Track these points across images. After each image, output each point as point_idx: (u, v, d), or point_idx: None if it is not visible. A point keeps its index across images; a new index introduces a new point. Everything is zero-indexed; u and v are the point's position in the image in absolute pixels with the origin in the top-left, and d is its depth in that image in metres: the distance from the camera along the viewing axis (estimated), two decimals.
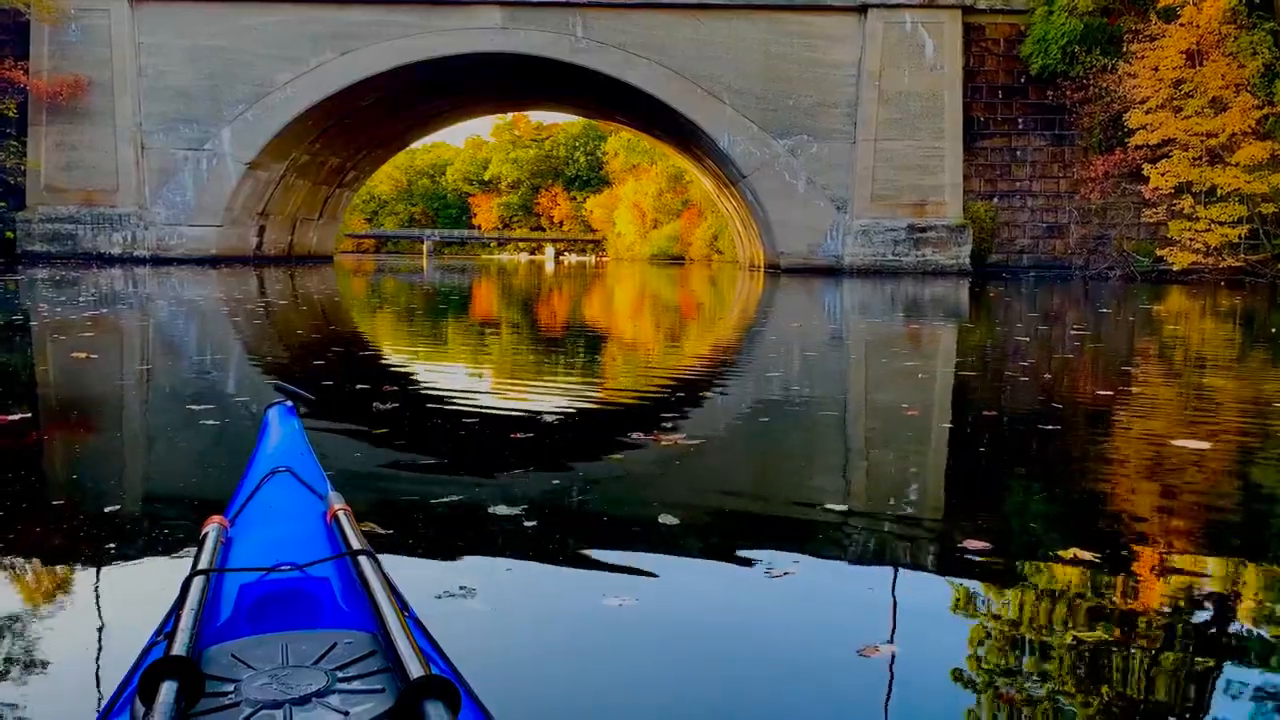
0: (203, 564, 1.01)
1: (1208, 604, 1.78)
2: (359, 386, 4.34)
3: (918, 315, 10.11)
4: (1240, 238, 18.25)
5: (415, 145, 47.53)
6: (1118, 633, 1.61)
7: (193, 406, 3.64)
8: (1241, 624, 1.68)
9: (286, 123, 21.61)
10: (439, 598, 1.68)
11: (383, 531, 2.07)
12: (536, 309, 11.85)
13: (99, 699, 1.31)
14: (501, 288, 17.88)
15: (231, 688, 0.79)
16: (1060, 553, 2.03)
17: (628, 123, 29.67)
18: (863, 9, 21.06)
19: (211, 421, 3.34)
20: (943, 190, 21.19)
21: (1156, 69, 18.59)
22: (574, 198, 76.39)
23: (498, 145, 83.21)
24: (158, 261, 21.31)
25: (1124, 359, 6.40)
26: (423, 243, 69.97)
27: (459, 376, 5.22)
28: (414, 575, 1.82)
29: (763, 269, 24.12)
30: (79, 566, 1.87)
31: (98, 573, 1.83)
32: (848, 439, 3.49)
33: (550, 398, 4.30)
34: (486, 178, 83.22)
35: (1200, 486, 2.74)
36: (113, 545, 1.99)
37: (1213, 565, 2.01)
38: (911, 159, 21.09)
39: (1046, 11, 20.76)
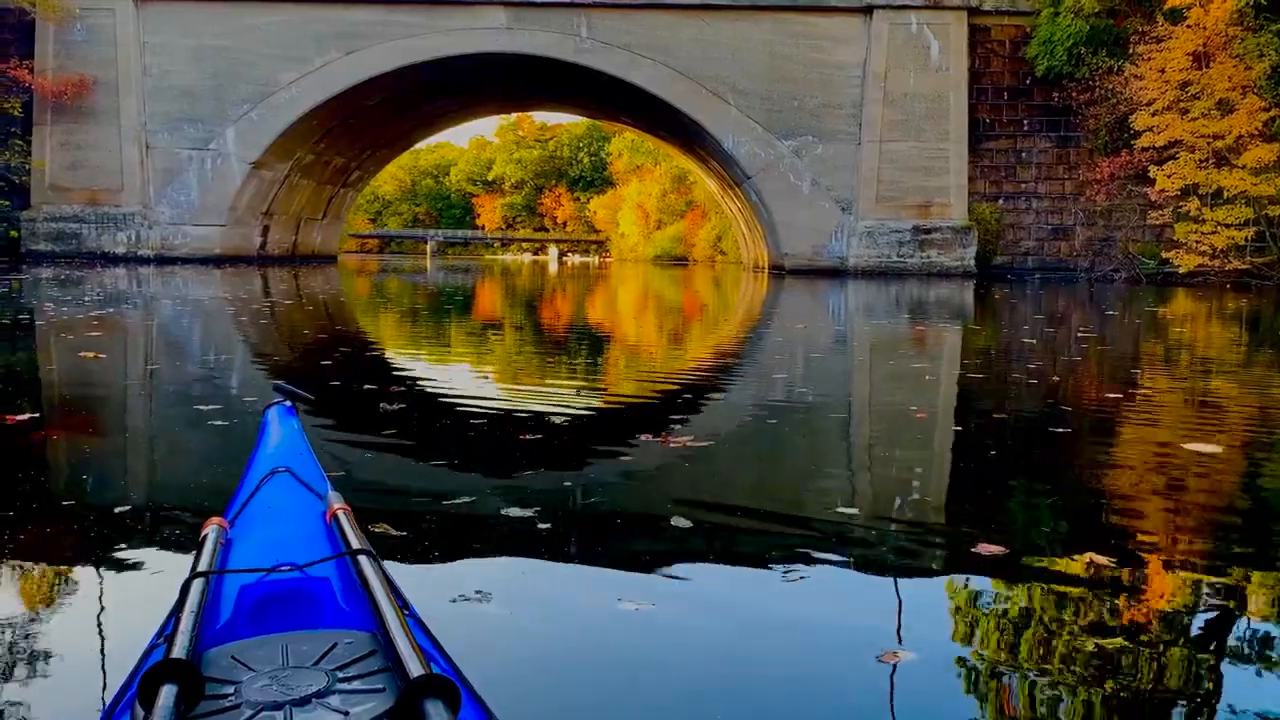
0: (202, 565, 1.00)
1: (1226, 609, 1.76)
2: (366, 387, 4.33)
3: (923, 317, 10.09)
4: (1246, 240, 18.19)
5: (419, 145, 47.61)
6: (1137, 639, 1.59)
7: (201, 406, 3.63)
8: (1263, 628, 1.66)
9: (291, 122, 21.63)
10: (453, 601, 1.67)
11: (396, 533, 2.06)
12: (541, 310, 11.84)
13: (100, 702, 1.30)
14: (505, 288, 17.88)
15: (232, 690, 0.79)
16: (1076, 558, 2.01)
17: (632, 123, 29.67)
18: (868, 10, 21.03)
19: (220, 422, 3.33)
20: (948, 192, 21.15)
21: (1163, 71, 18.54)
22: (578, 198, 76.43)
23: (502, 145, 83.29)
24: (162, 261, 21.34)
25: (1131, 362, 6.38)
26: (426, 243, 70.04)
27: (465, 377, 5.21)
28: (428, 578, 1.81)
29: (767, 270, 24.09)
30: (85, 567, 1.87)
31: (101, 574, 1.83)
32: (856, 441, 3.47)
33: (556, 399, 4.28)
34: (490, 178, 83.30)
35: (1212, 491, 2.72)
36: (122, 546, 1.98)
37: (1228, 570, 1.99)
38: (916, 160, 21.06)
39: (1052, 13, 20.71)
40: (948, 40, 21.08)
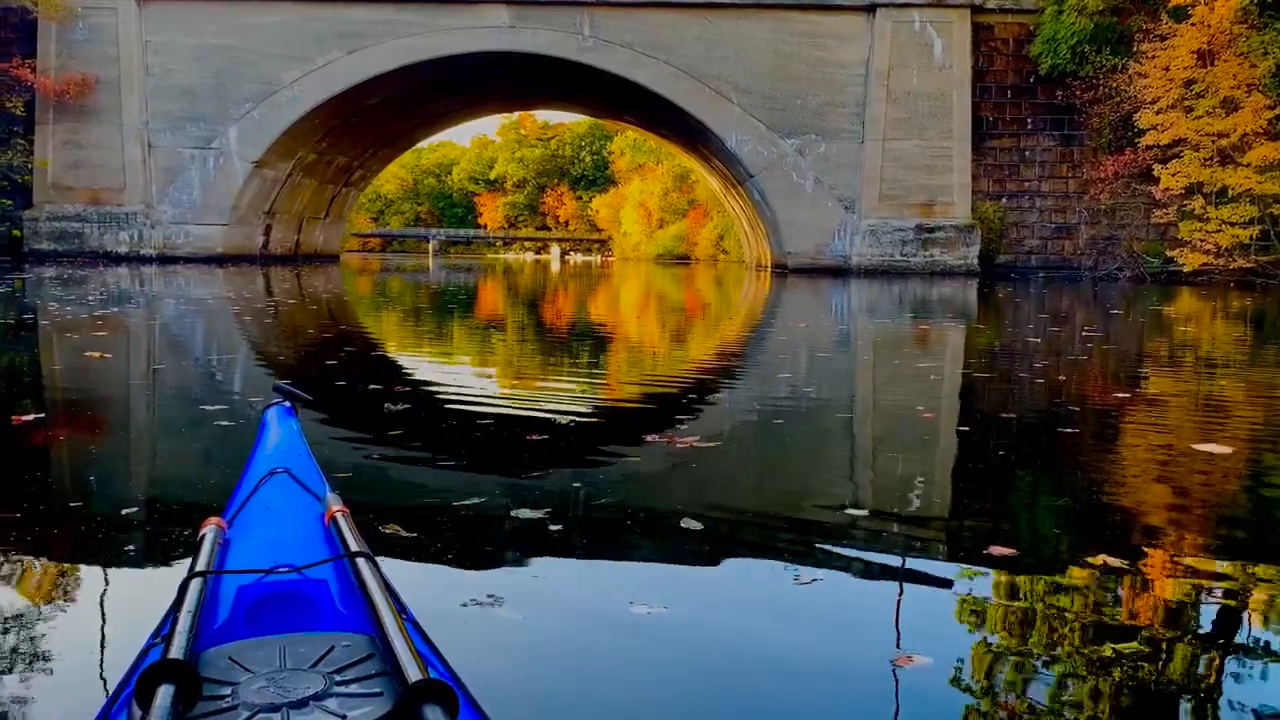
0: (200, 565, 1.00)
1: (1243, 610, 1.74)
2: (372, 387, 4.32)
3: (927, 316, 10.07)
4: (1251, 239, 18.13)
5: (421, 144, 47.60)
6: (1150, 641, 1.58)
7: (206, 406, 3.62)
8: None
9: (293, 122, 21.63)
10: (465, 605, 1.66)
11: (406, 534, 2.05)
12: (544, 309, 11.83)
13: (96, 701, 1.29)
14: (508, 287, 17.88)
15: (229, 691, 0.79)
16: (1088, 560, 1.99)
17: (635, 122, 29.64)
18: (871, 8, 20.99)
19: (227, 422, 3.32)
20: (951, 190, 21.11)
21: (1167, 69, 18.48)
22: (580, 197, 76.39)
23: (504, 144, 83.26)
24: (164, 260, 21.36)
25: (1138, 361, 6.35)
26: (428, 242, 70.05)
27: (469, 377, 5.20)
28: (439, 580, 1.81)
29: (769, 269, 24.06)
30: (88, 567, 1.86)
31: (103, 573, 1.83)
32: (863, 442, 3.45)
33: (562, 399, 4.27)
34: (492, 177, 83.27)
35: (1222, 492, 2.70)
36: (130, 546, 1.98)
37: (1243, 571, 1.97)
38: (920, 159, 21.02)
39: (1056, 11, 20.66)
40: (951, 38, 21.03)
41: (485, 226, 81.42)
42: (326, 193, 27.46)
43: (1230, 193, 18.15)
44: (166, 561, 1.88)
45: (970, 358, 6.47)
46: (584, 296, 15.07)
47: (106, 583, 1.78)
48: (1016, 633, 1.65)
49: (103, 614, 1.63)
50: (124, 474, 2.76)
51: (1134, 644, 1.57)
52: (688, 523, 2.18)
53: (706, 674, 1.44)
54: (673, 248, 48.14)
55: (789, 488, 2.74)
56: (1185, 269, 18.86)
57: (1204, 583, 1.89)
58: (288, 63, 21.55)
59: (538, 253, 71.60)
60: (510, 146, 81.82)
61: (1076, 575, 1.92)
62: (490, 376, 5.29)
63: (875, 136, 21.03)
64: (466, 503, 2.32)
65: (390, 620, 0.87)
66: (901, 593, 1.81)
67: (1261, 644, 1.60)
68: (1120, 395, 4.56)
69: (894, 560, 2.01)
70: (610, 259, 57.54)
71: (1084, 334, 8.06)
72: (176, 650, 0.80)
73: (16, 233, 21.34)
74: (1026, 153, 21.50)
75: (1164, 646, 1.57)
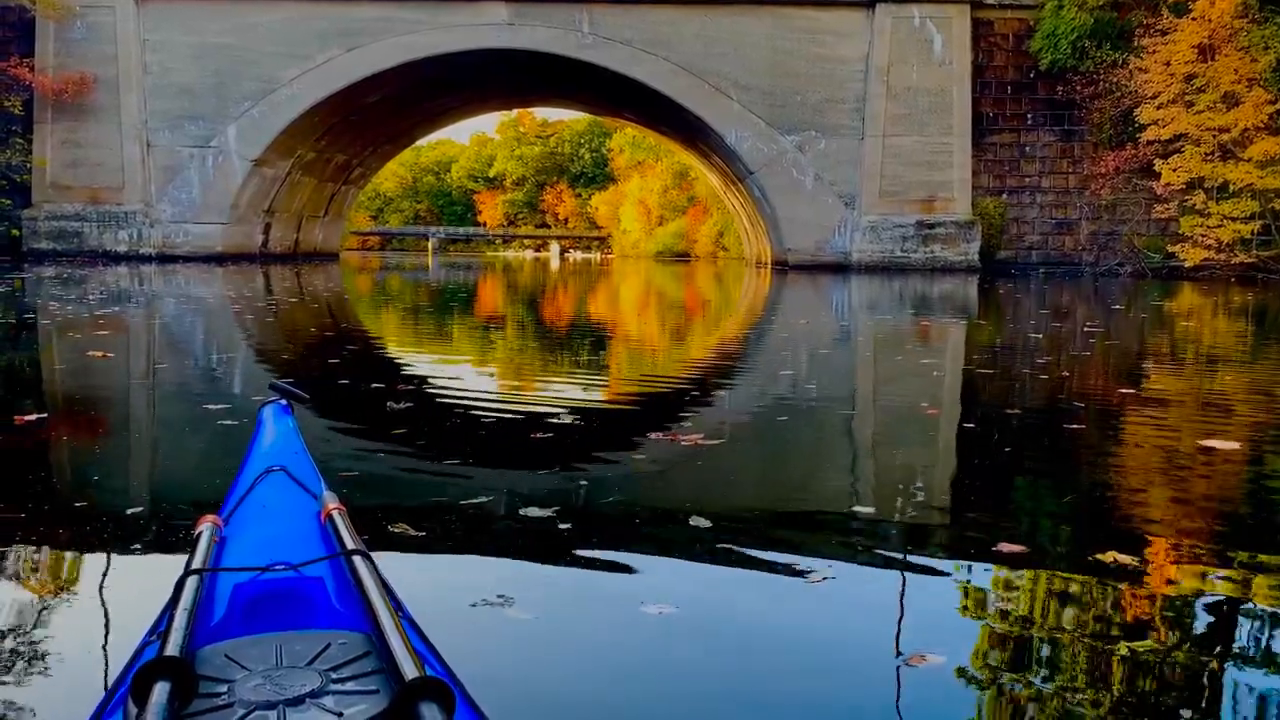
0: (196, 563, 1.00)
1: (1259, 608, 1.73)
2: (374, 386, 4.31)
3: (928, 312, 10.05)
4: (1253, 234, 18.10)
5: (421, 142, 47.53)
6: (1165, 639, 1.57)
7: (209, 406, 3.61)
8: None
9: (292, 120, 21.58)
10: (474, 605, 1.65)
11: (414, 533, 2.05)
12: (545, 307, 11.82)
13: (92, 698, 1.28)
14: (508, 285, 17.86)
15: (225, 688, 0.79)
16: (1098, 557, 1.98)
17: (634, 119, 29.60)
18: (870, 4, 20.94)
19: (230, 422, 3.31)
20: (951, 186, 21.08)
21: (1168, 63, 18.43)
22: (579, 195, 76.33)
23: (503, 142, 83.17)
24: (163, 259, 21.33)
25: (1141, 357, 6.34)
26: (428, 240, 69.99)
27: (471, 376, 5.19)
28: (448, 580, 1.80)
29: (770, 266, 24.04)
30: (89, 566, 1.86)
31: (104, 573, 1.82)
32: (868, 439, 3.44)
33: (564, 397, 4.26)
34: (491, 175, 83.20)
35: (1230, 488, 2.69)
36: (137, 545, 1.97)
37: (1258, 567, 1.96)
38: (920, 155, 20.98)
39: (1056, 6, 20.61)
40: (950, 34, 20.98)
41: (484, 224, 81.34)
42: (326, 191, 27.42)
43: (1231, 188, 18.12)
44: (167, 559, 1.87)
45: (972, 354, 6.45)
46: (584, 294, 15.06)
47: (107, 581, 1.78)
48: (1028, 631, 1.64)
49: (105, 611, 1.63)
50: (128, 473, 2.75)
51: (1148, 642, 1.56)
52: (696, 521, 2.17)
53: (721, 675, 1.43)
54: (672, 245, 48.11)
55: (796, 485, 2.73)
56: (1186, 264, 18.83)
57: (1212, 580, 1.88)
58: (287, 61, 21.50)
59: (537, 250, 71.54)
60: (509, 144, 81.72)
61: (1087, 573, 1.91)
62: (492, 374, 5.28)
63: (875, 133, 20.99)
64: (474, 501, 2.31)
65: (387, 618, 0.87)
66: (913, 591, 1.80)
67: None
68: (1124, 391, 4.55)
69: (904, 558, 2.00)
70: (610, 256, 57.50)
71: (1086, 330, 8.05)
72: (172, 647, 0.80)
73: (15, 232, 21.29)
74: (1027, 148, 21.46)
75: (1177, 645, 1.56)
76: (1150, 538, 2.15)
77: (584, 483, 2.57)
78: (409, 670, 0.77)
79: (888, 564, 1.96)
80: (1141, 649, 1.53)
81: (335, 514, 1.14)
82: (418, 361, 5.82)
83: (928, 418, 3.75)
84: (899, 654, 1.49)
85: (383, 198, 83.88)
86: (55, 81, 20.74)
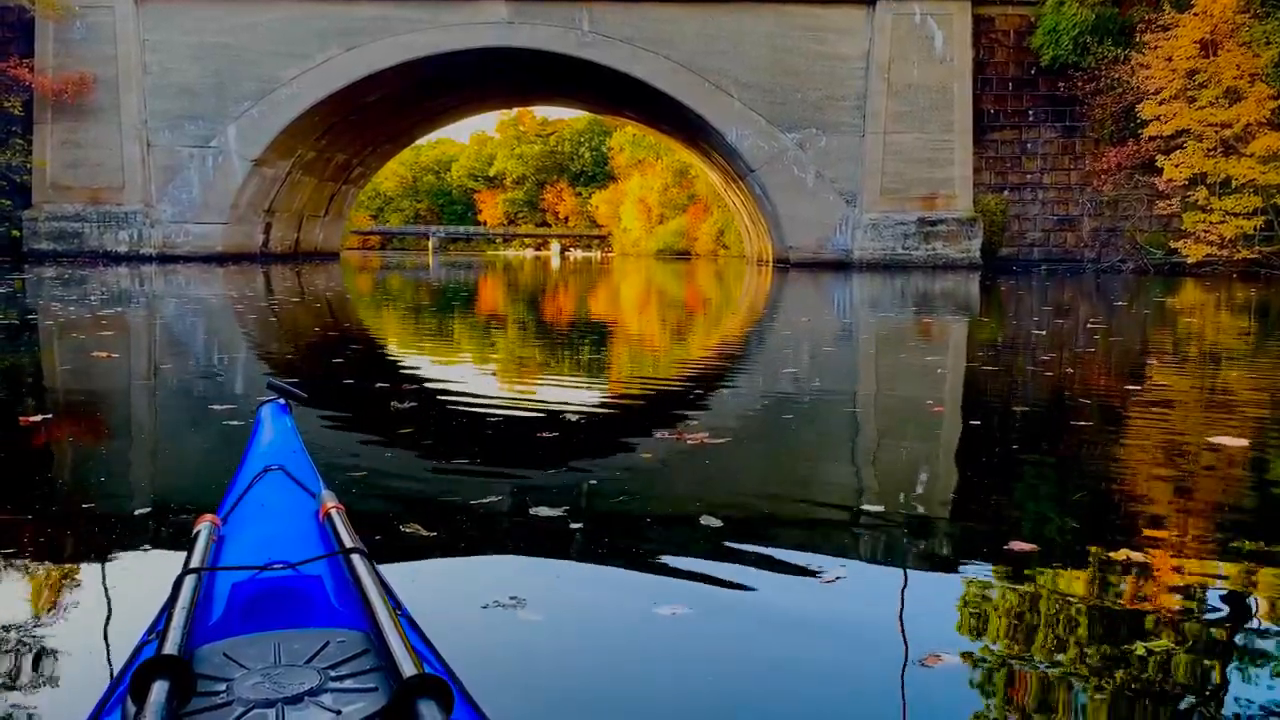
0: (194, 562, 1.00)
1: (1271, 606, 1.71)
2: (378, 385, 4.29)
3: (930, 310, 10.04)
4: (1255, 229, 18.07)
5: (421, 141, 47.51)
6: (1180, 638, 1.56)
7: (215, 406, 3.61)
8: None
9: (292, 119, 21.57)
10: (485, 607, 1.64)
11: (426, 533, 2.04)
12: (547, 306, 11.80)
13: (91, 697, 1.27)
14: (509, 284, 17.85)
15: (223, 687, 0.79)
16: (1112, 555, 1.97)
17: (635, 117, 29.57)
18: (871, 1, 20.91)
19: (236, 422, 3.30)
20: (953, 183, 21.05)
21: (1170, 59, 18.39)
22: (579, 193, 76.31)
23: (503, 141, 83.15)
24: (164, 259, 21.32)
25: (1145, 354, 6.33)
26: (428, 239, 69.97)
27: (475, 375, 5.18)
28: (459, 581, 1.79)
29: (771, 264, 24.02)
30: (92, 565, 1.86)
31: (106, 572, 1.82)
32: (874, 437, 3.43)
33: (568, 396, 4.25)
34: (492, 174, 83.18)
35: (1240, 485, 2.68)
36: (139, 544, 1.96)
37: (1267, 562, 1.94)
38: (921, 152, 20.95)
39: (1057, 2, 20.57)
40: (951, 31, 20.95)
41: (485, 223, 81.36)
42: (326, 190, 27.41)
43: (1234, 183, 18.08)
44: (169, 558, 1.87)
45: (976, 351, 6.44)
46: (586, 293, 15.04)
47: (108, 580, 1.78)
48: (1042, 630, 1.63)
49: (107, 610, 1.63)
50: (133, 474, 2.74)
51: (1164, 641, 1.55)
52: (707, 520, 2.16)
53: (735, 677, 1.42)
54: (673, 243, 48.08)
55: (805, 484, 2.71)
56: (1189, 260, 18.80)
57: (1227, 577, 1.87)
58: (286, 60, 21.48)
59: (538, 249, 71.53)
60: (509, 143, 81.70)
61: (1100, 571, 1.89)
62: (495, 373, 5.27)
63: (876, 130, 20.96)
64: (484, 501, 2.31)
65: (385, 616, 0.87)
66: (926, 590, 1.79)
67: None
68: (1130, 388, 4.54)
69: (916, 557, 1.99)
70: (610, 255, 57.49)
71: (1089, 327, 8.03)
72: (171, 646, 0.80)
73: (16, 233, 21.28)
74: (1028, 145, 21.42)
75: (1195, 643, 1.55)
76: (1162, 535, 2.14)
77: (593, 482, 2.56)
78: (407, 668, 0.77)
79: (899, 563, 1.94)
80: (1158, 648, 1.52)
81: (333, 513, 1.13)
82: (421, 361, 5.80)
83: (933, 415, 3.74)
84: (913, 654, 1.48)
85: (383, 197, 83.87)
86: (55, 82, 20.72)
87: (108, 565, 1.85)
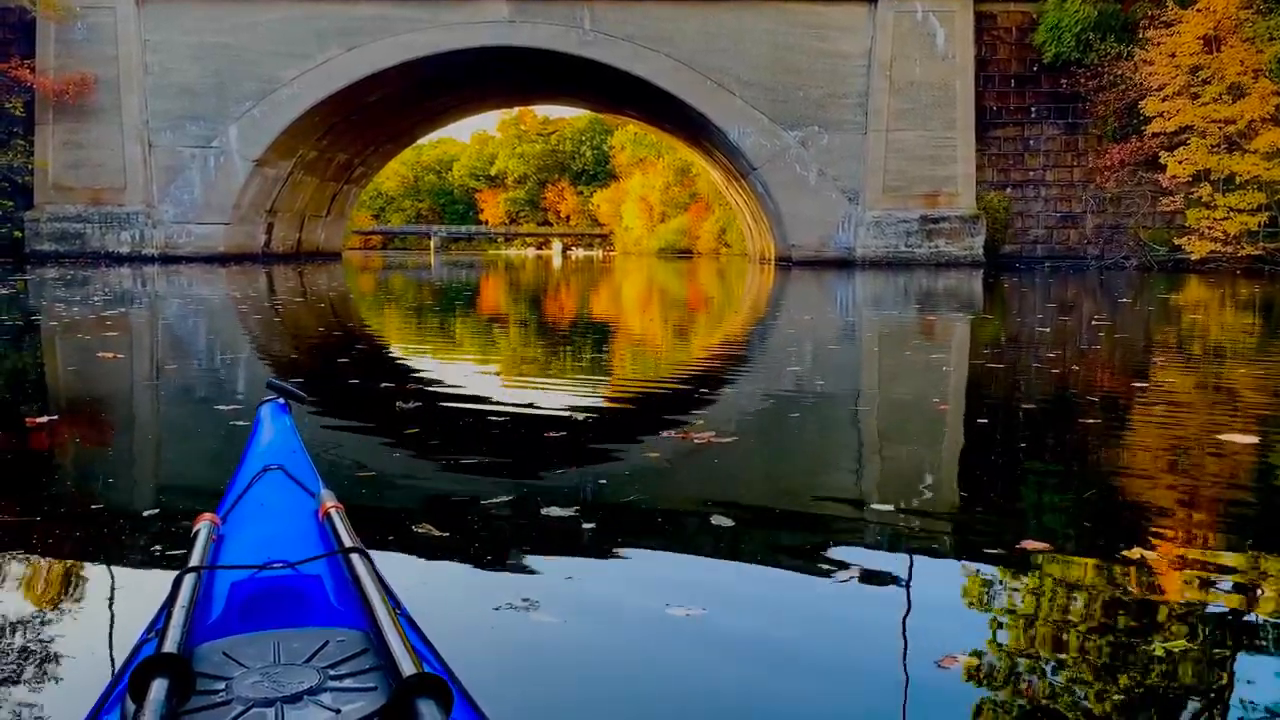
0: (194, 561, 1.00)
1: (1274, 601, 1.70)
2: (383, 385, 4.29)
3: (933, 308, 10.01)
4: (1259, 225, 18.03)
5: (422, 141, 47.47)
6: (1195, 636, 1.55)
7: (220, 407, 3.60)
8: None
9: (293, 119, 21.56)
10: (498, 609, 1.63)
11: (439, 533, 2.03)
12: (549, 305, 11.79)
13: (91, 695, 1.27)
14: (511, 283, 17.84)
15: (223, 685, 0.79)
16: (1124, 553, 1.95)
17: (636, 116, 29.54)
18: None
19: (243, 422, 3.29)
20: (955, 181, 21.01)
21: (1173, 55, 18.34)
22: (581, 192, 76.28)
23: (504, 140, 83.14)
24: (166, 260, 21.33)
25: (1151, 351, 6.31)
26: (430, 239, 69.99)
27: (479, 374, 5.17)
28: (473, 583, 1.78)
29: (773, 262, 24.00)
30: (95, 565, 1.86)
31: (110, 570, 1.82)
32: (881, 435, 3.42)
33: (573, 396, 4.24)
34: (493, 173, 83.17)
35: (1250, 482, 2.66)
36: (142, 544, 1.96)
37: (1272, 561, 1.93)
38: (923, 149, 20.91)
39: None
40: (953, 28, 20.90)
41: (486, 223, 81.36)
42: (327, 190, 27.41)
43: (1238, 179, 18.04)
44: (171, 557, 1.87)
45: (980, 349, 6.42)
46: (588, 292, 15.03)
47: (108, 580, 1.78)
48: (1056, 628, 1.62)
49: (110, 607, 1.63)
50: (138, 474, 2.74)
51: (1179, 641, 1.53)
52: (718, 519, 2.15)
53: (750, 678, 1.41)
54: (675, 242, 48.05)
55: (814, 483, 2.70)
56: (1192, 257, 18.76)
57: (1241, 575, 1.86)
58: (287, 60, 21.48)
59: (539, 248, 71.52)
60: (510, 142, 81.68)
61: (1112, 569, 1.88)
62: (499, 373, 5.26)
63: (878, 127, 20.93)
64: (495, 501, 2.30)
65: (384, 615, 0.87)
66: (939, 589, 1.78)
67: None
68: (1136, 385, 4.52)
69: (929, 556, 1.98)
70: (612, 254, 57.48)
71: (1093, 324, 8.01)
72: (170, 645, 0.80)
73: (18, 234, 21.30)
74: (1031, 142, 21.38)
75: (1209, 641, 1.53)
76: (1174, 533, 2.13)
77: (602, 481, 2.55)
78: (406, 667, 0.77)
79: (911, 562, 1.93)
80: (1175, 648, 1.50)
81: (333, 512, 1.13)
82: (425, 361, 5.80)
83: (939, 413, 3.72)
84: (928, 654, 1.47)
85: (384, 197, 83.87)
86: (56, 82, 20.73)
87: (110, 565, 1.85)
